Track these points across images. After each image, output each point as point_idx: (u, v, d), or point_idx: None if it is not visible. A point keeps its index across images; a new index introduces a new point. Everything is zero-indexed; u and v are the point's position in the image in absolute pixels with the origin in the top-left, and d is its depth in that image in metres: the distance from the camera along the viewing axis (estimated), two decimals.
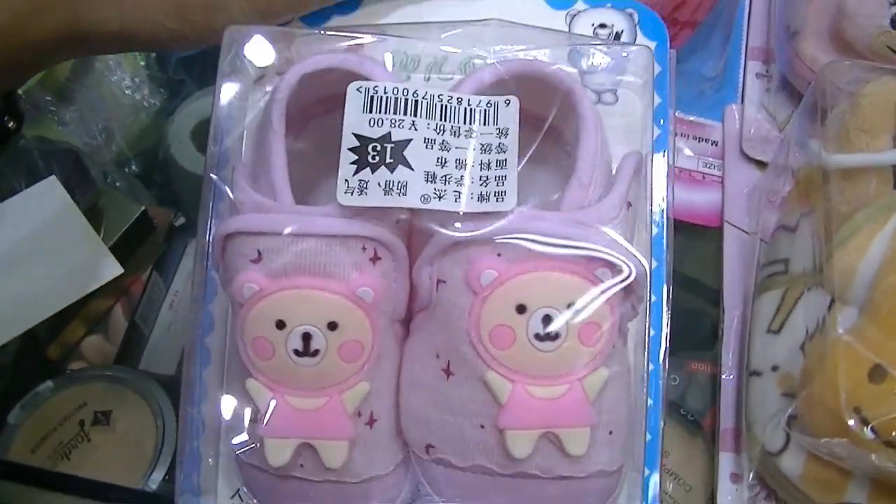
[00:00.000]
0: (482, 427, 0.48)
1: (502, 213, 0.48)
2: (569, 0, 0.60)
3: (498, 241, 0.48)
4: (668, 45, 0.60)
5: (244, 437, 0.51)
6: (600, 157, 0.50)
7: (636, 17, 0.61)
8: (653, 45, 0.60)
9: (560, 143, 0.55)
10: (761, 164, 0.77)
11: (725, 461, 0.63)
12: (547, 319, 0.47)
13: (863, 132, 0.60)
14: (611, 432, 0.50)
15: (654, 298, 0.57)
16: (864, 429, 0.52)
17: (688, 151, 0.79)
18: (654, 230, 0.56)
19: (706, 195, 0.77)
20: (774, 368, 0.60)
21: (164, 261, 0.81)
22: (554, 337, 0.48)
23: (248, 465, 0.52)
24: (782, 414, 0.58)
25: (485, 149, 0.49)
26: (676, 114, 0.78)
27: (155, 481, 0.65)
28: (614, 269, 0.49)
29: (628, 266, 0.49)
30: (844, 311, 0.57)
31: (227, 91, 0.56)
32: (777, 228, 0.67)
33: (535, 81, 0.52)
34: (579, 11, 0.59)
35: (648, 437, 0.56)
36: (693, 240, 0.75)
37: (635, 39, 0.60)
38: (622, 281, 0.49)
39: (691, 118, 0.80)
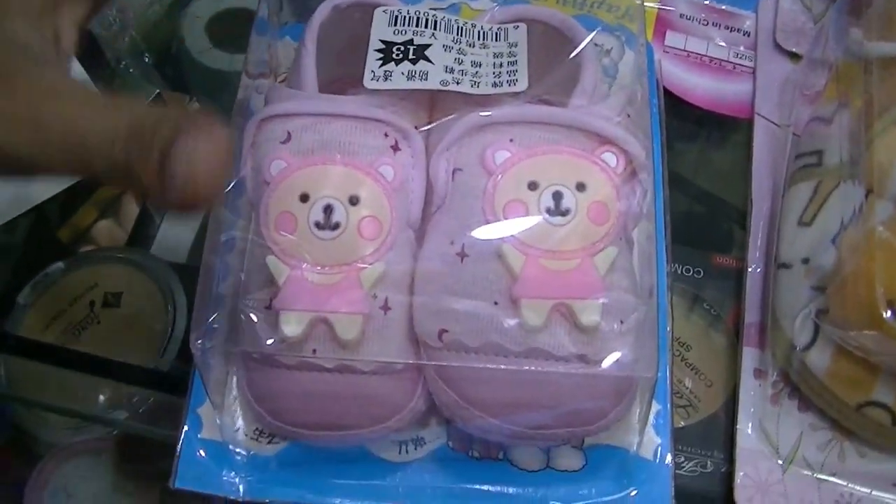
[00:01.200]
0: (496, 304, 0.48)
1: (516, 100, 0.53)
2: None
3: (511, 126, 0.52)
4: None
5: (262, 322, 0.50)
6: (600, 76, 0.56)
7: (623, 38, 0.69)
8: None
9: (563, 71, 0.56)
10: (794, 56, 0.74)
11: (749, 356, 0.61)
12: (557, 196, 0.50)
13: None
14: (622, 321, 0.49)
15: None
16: None
17: (719, 41, 0.76)
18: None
19: (737, 86, 0.74)
20: (805, 261, 0.58)
21: None
22: (564, 212, 0.50)
23: (259, 365, 0.51)
24: (812, 307, 0.56)
25: (497, 55, 0.55)
26: (707, 2, 0.76)
27: (164, 364, 0.63)
28: (618, 151, 0.52)
29: (629, 150, 0.52)
30: (881, 204, 0.55)
31: None
32: (811, 120, 0.65)
33: (539, 23, 0.58)
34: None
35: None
36: (723, 131, 0.73)
37: (623, 56, 0.68)
38: (626, 162, 0.52)
39: (723, 7, 0.78)
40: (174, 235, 0.75)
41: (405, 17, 0.56)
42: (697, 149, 0.71)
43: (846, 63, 0.62)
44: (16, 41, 0.41)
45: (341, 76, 0.58)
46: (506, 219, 0.50)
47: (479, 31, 0.56)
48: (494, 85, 0.53)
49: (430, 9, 0.57)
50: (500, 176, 0.51)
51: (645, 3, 0.63)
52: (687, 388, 0.62)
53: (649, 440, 0.55)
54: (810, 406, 0.59)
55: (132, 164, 0.37)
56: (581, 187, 0.50)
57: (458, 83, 0.53)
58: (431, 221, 0.53)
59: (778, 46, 0.75)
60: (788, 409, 0.60)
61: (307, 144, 0.51)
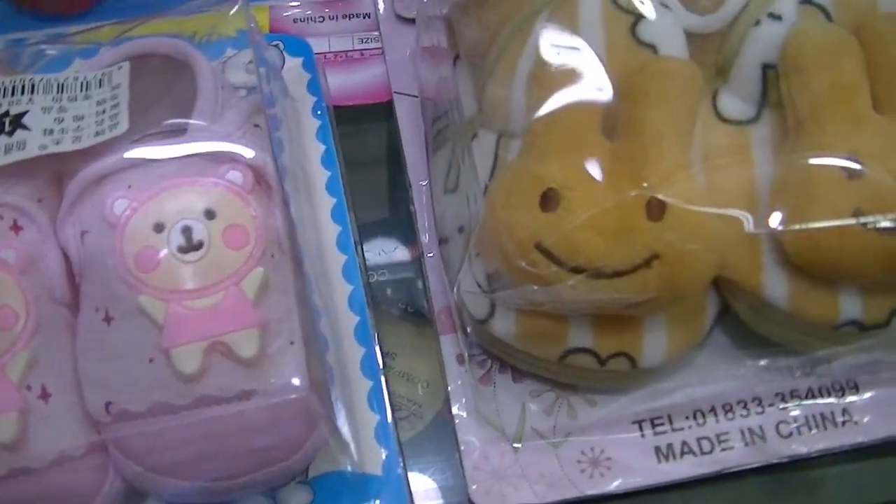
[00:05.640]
0: (151, 361, 0.46)
1: (123, 143, 0.50)
2: (217, 52, 0.61)
3: (126, 172, 0.49)
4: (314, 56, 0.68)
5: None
6: (220, 94, 0.53)
7: (281, 45, 0.69)
8: (300, 60, 0.68)
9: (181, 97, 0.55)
10: None
11: (447, 344, 0.57)
12: (187, 230, 0.47)
13: None
14: (291, 342, 0.47)
15: (334, 201, 0.62)
16: (549, 263, 0.46)
17: (341, 34, 0.72)
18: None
19: (370, 71, 0.70)
20: (461, 230, 0.54)
21: None
22: (198, 246, 0.47)
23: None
24: (479, 275, 0.52)
25: (101, 103, 0.53)
26: None
27: None
28: (243, 167, 0.50)
29: (254, 163, 0.50)
30: (512, 144, 0.51)
31: None
32: (439, 81, 0.61)
33: (151, 56, 0.56)
34: (229, 57, 0.62)
35: (360, 348, 0.56)
36: (369, 120, 0.69)
37: (284, 63, 0.68)
38: (255, 176, 0.50)
39: None
40: None
41: (1, 89, 0.53)
42: (350, 145, 0.66)
43: (448, 12, 0.59)
44: None
45: None
46: (139, 270, 0.47)
47: (81, 83, 0.54)
48: (97, 134, 0.51)
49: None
50: (124, 227, 0.48)
51: (251, 11, 0.58)
52: (403, 397, 0.57)
53: (374, 454, 0.53)
54: (524, 374, 0.55)
55: None
56: (210, 214, 0.48)
57: (58, 143, 0.51)
58: (80, 292, 0.50)
59: (400, 18, 0.72)
60: (503, 384, 0.56)
61: None
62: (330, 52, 0.71)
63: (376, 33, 0.72)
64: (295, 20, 0.72)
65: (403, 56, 0.69)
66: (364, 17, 0.72)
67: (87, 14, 0.72)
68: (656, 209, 0.46)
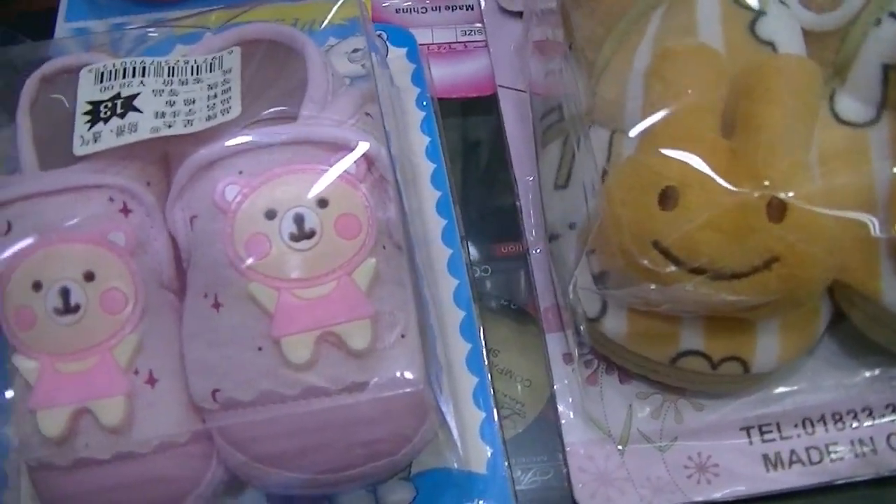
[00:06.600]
0: (260, 349, 0.45)
1: (235, 128, 0.50)
2: (319, 40, 0.59)
3: (237, 157, 0.48)
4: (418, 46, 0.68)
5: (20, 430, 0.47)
6: (331, 82, 0.52)
7: (385, 35, 0.68)
8: (404, 51, 0.68)
9: (291, 84, 0.54)
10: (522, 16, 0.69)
11: (553, 343, 0.56)
12: (299, 219, 0.46)
13: None
14: (402, 335, 0.47)
15: (439, 194, 0.61)
16: (667, 263, 0.45)
17: (444, 25, 0.72)
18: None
19: (474, 64, 0.69)
20: (572, 226, 0.53)
21: None
22: (310, 234, 0.46)
23: (40, 472, 0.47)
24: (591, 274, 0.51)
25: (212, 87, 0.52)
26: None
27: None
28: (353, 155, 0.49)
29: (368, 152, 0.49)
30: (625, 140, 0.50)
31: None
32: (546, 75, 0.60)
33: (258, 41, 0.55)
34: (332, 46, 0.62)
35: (465, 343, 0.56)
36: (474, 113, 0.68)
37: (387, 53, 0.67)
38: (368, 165, 0.49)
39: None
40: None
41: (111, 71, 0.52)
42: (453, 138, 0.66)
43: (559, 5, 0.58)
44: None
45: (69, 149, 0.54)
46: (249, 256, 0.46)
47: (191, 66, 0.53)
48: (209, 118, 0.50)
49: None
50: (235, 212, 0.47)
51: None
52: (506, 395, 0.56)
53: (479, 452, 0.53)
54: (631, 375, 0.54)
55: None
56: (322, 203, 0.47)
57: (170, 126, 0.50)
58: (187, 277, 0.49)
59: (504, 11, 0.71)
60: (609, 384, 0.55)
61: (28, 230, 0.48)
62: (433, 44, 0.70)
63: (479, 25, 0.71)
64: (398, 10, 0.72)
65: (507, 49, 0.68)
66: (467, 9, 0.72)
67: (187, 1, 0.72)
68: (777, 210, 0.45)
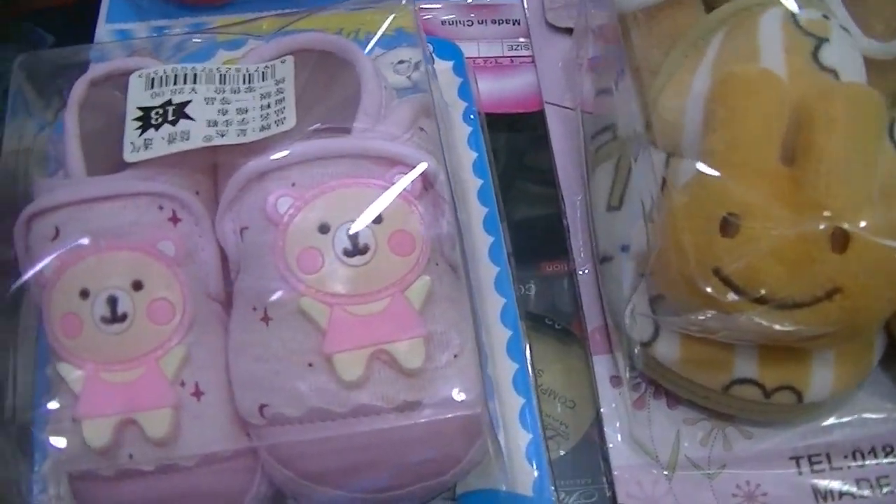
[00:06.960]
0: (310, 365, 0.45)
1: (288, 139, 0.49)
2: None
3: (289, 169, 0.48)
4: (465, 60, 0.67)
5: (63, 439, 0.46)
6: (384, 94, 0.51)
7: (430, 48, 0.65)
8: (450, 64, 0.67)
9: (343, 95, 0.54)
10: (570, 32, 0.69)
11: (601, 365, 0.56)
12: (353, 234, 0.46)
13: None
14: (455, 355, 0.46)
15: (486, 210, 0.60)
16: (728, 291, 0.44)
17: (490, 38, 0.71)
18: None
19: (520, 79, 0.69)
20: (624, 248, 0.53)
21: None
22: (363, 250, 0.46)
23: (82, 481, 0.47)
24: (644, 297, 0.50)
25: (265, 96, 0.51)
26: (469, 1, 0.71)
27: None
28: (408, 170, 0.48)
29: (418, 160, 0.48)
30: (683, 164, 0.50)
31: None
32: (598, 94, 0.60)
33: (308, 51, 0.54)
34: (377, 56, 0.59)
35: (512, 363, 0.55)
36: (519, 129, 0.67)
37: (434, 65, 0.63)
38: (423, 181, 0.48)
39: (486, 1, 0.72)
40: None
41: (162, 77, 0.52)
42: (498, 154, 0.65)
43: (612, 23, 0.57)
44: None
45: (116, 154, 0.53)
46: (301, 270, 0.46)
47: (244, 75, 0.53)
48: (262, 129, 0.50)
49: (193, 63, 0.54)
50: (287, 225, 0.46)
51: (416, 9, 0.57)
52: (549, 416, 0.55)
53: (525, 474, 0.52)
54: (680, 400, 0.54)
55: None
56: (377, 219, 0.46)
57: (223, 136, 0.49)
58: (234, 288, 0.49)
59: (551, 26, 0.70)
60: (657, 409, 0.54)
61: (76, 236, 0.47)
62: (479, 58, 0.69)
63: (524, 40, 0.70)
64: (443, 22, 0.71)
65: (555, 65, 0.68)
66: (514, 24, 0.71)
67: (228, 6, 0.72)
68: (840, 240, 0.45)
